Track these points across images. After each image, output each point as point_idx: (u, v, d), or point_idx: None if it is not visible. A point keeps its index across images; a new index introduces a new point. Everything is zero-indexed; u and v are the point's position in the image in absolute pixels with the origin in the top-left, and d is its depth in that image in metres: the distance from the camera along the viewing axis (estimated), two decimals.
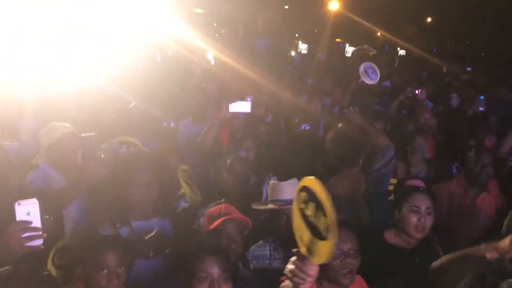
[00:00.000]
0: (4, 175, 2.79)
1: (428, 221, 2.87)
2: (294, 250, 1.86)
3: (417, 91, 6.24)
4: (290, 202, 2.75)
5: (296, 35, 20.98)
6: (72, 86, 5.22)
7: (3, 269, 1.90)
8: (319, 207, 1.74)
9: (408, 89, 6.42)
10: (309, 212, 1.79)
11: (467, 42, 30.51)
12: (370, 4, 22.05)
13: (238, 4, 18.06)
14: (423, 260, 2.56)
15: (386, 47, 23.09)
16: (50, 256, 2.47)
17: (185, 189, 3.32)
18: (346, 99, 6.11)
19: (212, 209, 2.88)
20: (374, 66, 5.95)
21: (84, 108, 5.02)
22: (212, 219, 2.70)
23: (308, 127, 4.84)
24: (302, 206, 1.83)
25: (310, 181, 1.79)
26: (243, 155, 3.79)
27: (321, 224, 1.73)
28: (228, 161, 3.39)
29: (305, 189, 1.82)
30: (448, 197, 3.93)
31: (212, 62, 8.52)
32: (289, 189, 2.90)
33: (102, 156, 2.75)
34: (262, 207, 3.02)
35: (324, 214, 1.71)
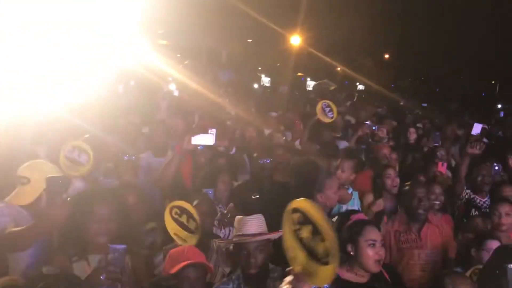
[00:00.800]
0: None
1: (383, 253, 2.93)
2: (289, 269, 1.83)
3: (374, 128, 6.46)
4: (253, 235, 2.81)
5: (259, 68, 21.36)
6: (31, 116, 5.10)
7: None
8: (315, 230, 1.72)
9: (367, 124, 6.63)
10: (305, 234, 1.77)
11: (422, 78, 31.87)
12: (330, 40, 22.79)
13: (201, 36, 18.29)
14: None
15: (346, 82, 23.81)
16: None
17: (169, 227, 3.20)
18: (306, 134, 6.22)
19: (175, 249, 2.81)
20: (331, 105, 6.17)
21: (41, 141, 4.89)
22: (174, 260, 2.64)
23: (268, 161, 4.85)
24: (296, 227, 1.81)
25: (304, 203, 1.77)
26: (209, 194, 3.76)
27: (319, 248, 1.71)
28: (195, 202, 3.35)
29: (297, 210, 1.80)
30: (394, 235, 4.04)
31: (176, 93, 8.53)
32: (253, 223, 2.89)
33: (68, 199, 2.66)
34: (224, 242, 2.99)
35: (322, 239, 1.69)
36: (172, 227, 3.21)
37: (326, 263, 1.70)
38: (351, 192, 4.56)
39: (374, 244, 2.89)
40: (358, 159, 5.24)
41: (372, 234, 2.93)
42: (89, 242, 2.72)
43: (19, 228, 2.77)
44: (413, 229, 4.00)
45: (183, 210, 3.28)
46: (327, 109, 6.19)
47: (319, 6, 20.13)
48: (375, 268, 2.90)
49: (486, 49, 25.46)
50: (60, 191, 2.57)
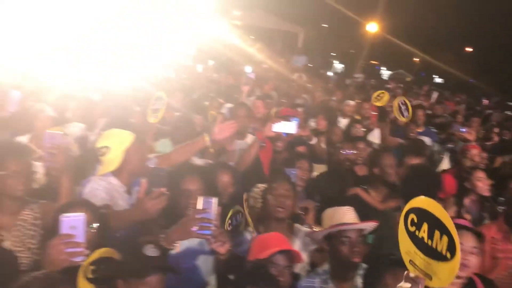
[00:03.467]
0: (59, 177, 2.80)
1: (472, 260, 2.72)
2: (406, 273, 1.79)
3: (462, 129, 6.11)
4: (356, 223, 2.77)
5: (333, 54, 20.93)
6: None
7: (38, 272, 1.91)
8: (432, 227, 1.71)
9: (455, 126, 6.29)
10: (423, 234, 1.75)
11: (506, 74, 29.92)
12: (409, 29, 21.85)
13: (276, 18, 18.10)
14: None
15: (422, 74, 22.82)
16: (82, 269, 2.38)
17: (248, 219, 3.21)
18: (387, 128, 5.95)
19: (263, 235, 2.77)
20: (407, 102, 5.85)
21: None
22: (262, 246, 2.60)
23: (351, 153, 4.68)
24: (413, 229, 1.79)
25: (423, 201, 1.76)
26: (292, 174, 3.66)
27: (440, 244, 1.69)
28: (274, 185, 3.26)
29: (413, 211, 1.79)
30: (490, 242, 3.75)
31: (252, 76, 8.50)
32: (350, 214, 2.85)
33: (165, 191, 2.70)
34: (320, 230, 2.91)
35: (442, 233, 1.68)
36: (249, 218, 3.21)
37: (448, 259, 1.67)
38: None
39: (462, 250, 2.69)
40: None
41: (463, 240, 2.73)
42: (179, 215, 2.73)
43: (117, 211, 2.84)
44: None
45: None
46: (403, 107, 5.88)
47: None
48: (460, 274, 2.69)
49: None
50: (159, 183, 2.62)
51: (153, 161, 3.72)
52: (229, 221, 3.21)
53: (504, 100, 13.90)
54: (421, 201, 1.76)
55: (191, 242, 2.83)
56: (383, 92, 6.76)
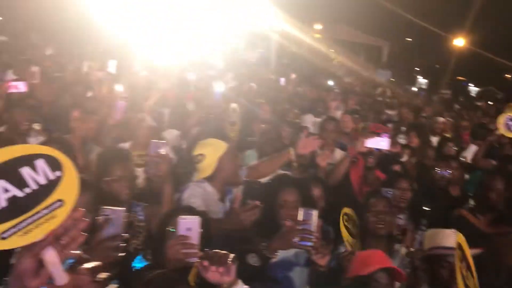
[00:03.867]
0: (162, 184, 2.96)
1: None
2: None
3: None
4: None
5: (417, 69, 20.27)
6: None
7: (155, 272, 1.99)
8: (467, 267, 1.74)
9: None
10: (464, 272, 1.80)
11: None
12: (500, 42, 20.64)
13: (359, 32, 17.89)
14: None
15: None
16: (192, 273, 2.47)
17: (344, 234, 3.21)
18: (483, 148, 5.64)
19: (365, 252, 2.74)
20: None
21: None
22: (363, 262, 2.57)
23: (446, 172, 4.50)
24: (460, 264, 1.81)
25: (463, 240, 1.79)
26: (389, 194, 3.59)
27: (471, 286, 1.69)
28: (372, 200, 3.22)
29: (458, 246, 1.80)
30: None
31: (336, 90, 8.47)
32: (451, 237, 2.72)
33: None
34: (420, 250, 2.85)
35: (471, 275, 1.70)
36: (344, 233, 3.18)
37: None
38: None
39: None
40: None
41: None
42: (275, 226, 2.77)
43: (212, 218, 2.97)
44: None
45: (349, 216, 3.28)
46: (511, 123, 5.51)
47: (492, 5, 18.36)
48: None
49: None
50: (254, 195, 2.68)
51: (243, 172, 3.82)
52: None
53: None
54: (463, 241, 1.74)
55: (287, 253, 2.86)
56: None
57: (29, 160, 1.26)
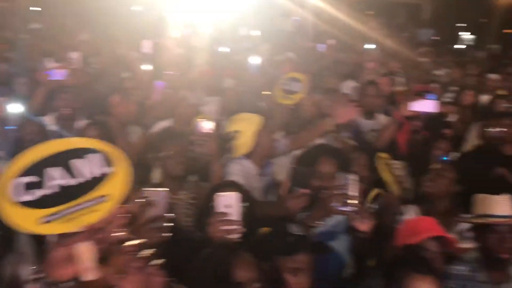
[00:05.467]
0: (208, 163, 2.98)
1: None
2: None
3: None
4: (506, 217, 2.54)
5: (461, 25, 19.26)
6: None
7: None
8: None
9: None
10: None
11: None
12: None
13: None
14: None
15: None
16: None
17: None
18: None
19: (414, 220, 2.65)
20: None
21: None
22: (413, 231, 2.47)
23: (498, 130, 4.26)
24: None
25: None
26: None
27: None
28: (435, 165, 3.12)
29: None
30: None
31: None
32: (503, 204, 2.60)
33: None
34: (469, 220, 2.72)
35: None
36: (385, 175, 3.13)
37: None
38: None
39: None
40: None
41: None
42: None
43: (260, 202, 2.97)
44: None
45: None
46: None
47: None
48: None
49: None
50: (301, 183, 2.65)
51: (283, 142, 3.75)
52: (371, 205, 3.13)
53: None
54: None
55: (327, 224, 2.80)
56: None
57: (84, 152, 1.33)
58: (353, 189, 2.34)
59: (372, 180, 3.41)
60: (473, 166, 3.95)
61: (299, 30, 11.29)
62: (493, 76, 6.60)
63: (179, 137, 3.13)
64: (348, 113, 3.66)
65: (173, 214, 2.28)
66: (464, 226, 2.91)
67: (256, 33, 8.70)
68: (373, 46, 9.23)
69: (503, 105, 5.34)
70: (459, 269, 2.65)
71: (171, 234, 2.16)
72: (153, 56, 5.97)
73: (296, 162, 3.21)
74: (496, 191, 2.73)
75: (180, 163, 2.96)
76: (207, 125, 3.02)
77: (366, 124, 4.88)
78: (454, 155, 4.04)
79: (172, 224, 2.20)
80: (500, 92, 6.10)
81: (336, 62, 7.88)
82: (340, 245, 2.78)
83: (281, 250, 2.23)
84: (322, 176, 2.81)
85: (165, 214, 2.17)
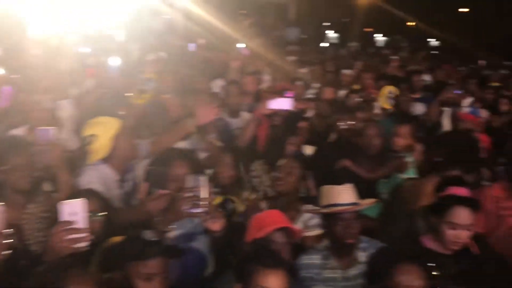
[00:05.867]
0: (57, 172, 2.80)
1: (466, 235, 2.66)
2: None
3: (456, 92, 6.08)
4: (349, 206, 2.71)
5: (326, 24, 20.58)
6: None
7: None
8: None
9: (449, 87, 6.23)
10: None
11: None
12: None
13: None
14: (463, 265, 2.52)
15: (418, 38, 22.46)
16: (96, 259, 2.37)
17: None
18: None
19: (260, 215, 2.76)
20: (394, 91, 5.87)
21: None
22: (260, 226, 2.58)
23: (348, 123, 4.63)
24: None
25: None
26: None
27: None
28: (283, 161, 3.27)
29: None
30: (494, 201, 3.71)
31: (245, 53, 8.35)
32: (346, 193, 2.78)
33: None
34: (315, 211, 2.90)
35: None
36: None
37: None
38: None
39: (454, 228, 2.64)
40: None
41: (456, 217, 2.64)
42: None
43: (119, 209, 2.88)
44: None
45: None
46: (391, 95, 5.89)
47: None
48: (452, 247, 2.67)
49: None
50: (159, 184, 2.63)
51: (145, 146, 3.68)
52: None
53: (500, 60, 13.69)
54: None
55: (185, 227, 2.84)
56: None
57: None
58: (204, 191, 2.37)
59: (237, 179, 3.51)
60: (326, 159, 4.27)
61: (169, 29, 11.17)
62: (347, 71, 7.11)
63: (23, 147, 2.85)
64: (209, 114, 3.64)
65: (11, 230, 2.12)
66: (308, 216, 3.11)
67: (121, 32, 8.40)
68: (243, 45, 9.46)
69: (355, 100, 5.82)
70: (311, 257, 2.82)
71: (10, 251, 2.02)
72: (2, 58, 5.49)
73: (152, 163, 3.19)
74: (341, 181, 2.94)
75: (25, 176, 2.73)
76: (48, 133, 2.82)
77: (232, 122, 5.03)
78: (309, 149, 4.31)
79: (12, 240, 2.06)
80: (354, 87, 6.64)
81: (205, 61, 7.96)
82: (201, 245, 2.84)
83: (132, 256, 2.20)
84: (175, 179, 2.84)
85: (2, 231, 2.02)
